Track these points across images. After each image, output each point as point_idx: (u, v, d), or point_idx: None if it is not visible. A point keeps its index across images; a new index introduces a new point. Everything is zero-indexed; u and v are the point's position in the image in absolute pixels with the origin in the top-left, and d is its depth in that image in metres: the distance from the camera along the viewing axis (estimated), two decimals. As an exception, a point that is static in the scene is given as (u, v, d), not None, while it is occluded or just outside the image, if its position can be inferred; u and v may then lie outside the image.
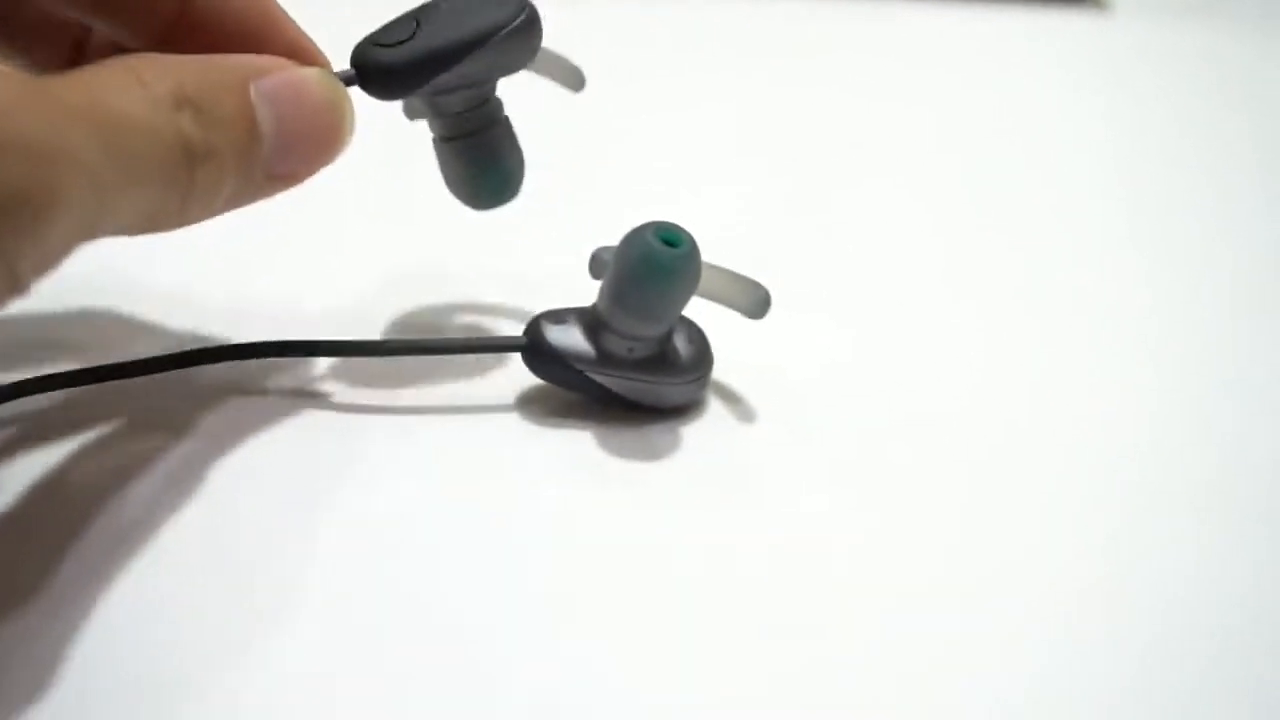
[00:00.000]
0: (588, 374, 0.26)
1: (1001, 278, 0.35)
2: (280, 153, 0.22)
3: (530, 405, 0.27)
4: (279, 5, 0.25)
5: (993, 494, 0.25)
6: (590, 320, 0.26)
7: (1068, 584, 0.23)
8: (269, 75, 0.22)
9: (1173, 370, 0.31)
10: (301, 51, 0.24)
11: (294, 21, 0.25)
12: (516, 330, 0.27)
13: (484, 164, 0.26)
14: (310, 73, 0.23)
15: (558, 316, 0.26)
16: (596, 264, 0.27)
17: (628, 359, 0.26)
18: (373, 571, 0.22)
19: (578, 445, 0.26)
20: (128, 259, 0.26)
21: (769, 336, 0.28)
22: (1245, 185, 0.45)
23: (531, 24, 0.25)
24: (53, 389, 0.26)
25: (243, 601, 0.21)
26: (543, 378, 0.26)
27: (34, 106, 0.17)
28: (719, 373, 0.28)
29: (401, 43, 0.24)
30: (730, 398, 0.28)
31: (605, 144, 0.45)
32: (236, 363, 0.27)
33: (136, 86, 0.19)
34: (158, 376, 0.26)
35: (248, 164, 0.22)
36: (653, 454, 0.26)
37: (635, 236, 0.24)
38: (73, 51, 0.25)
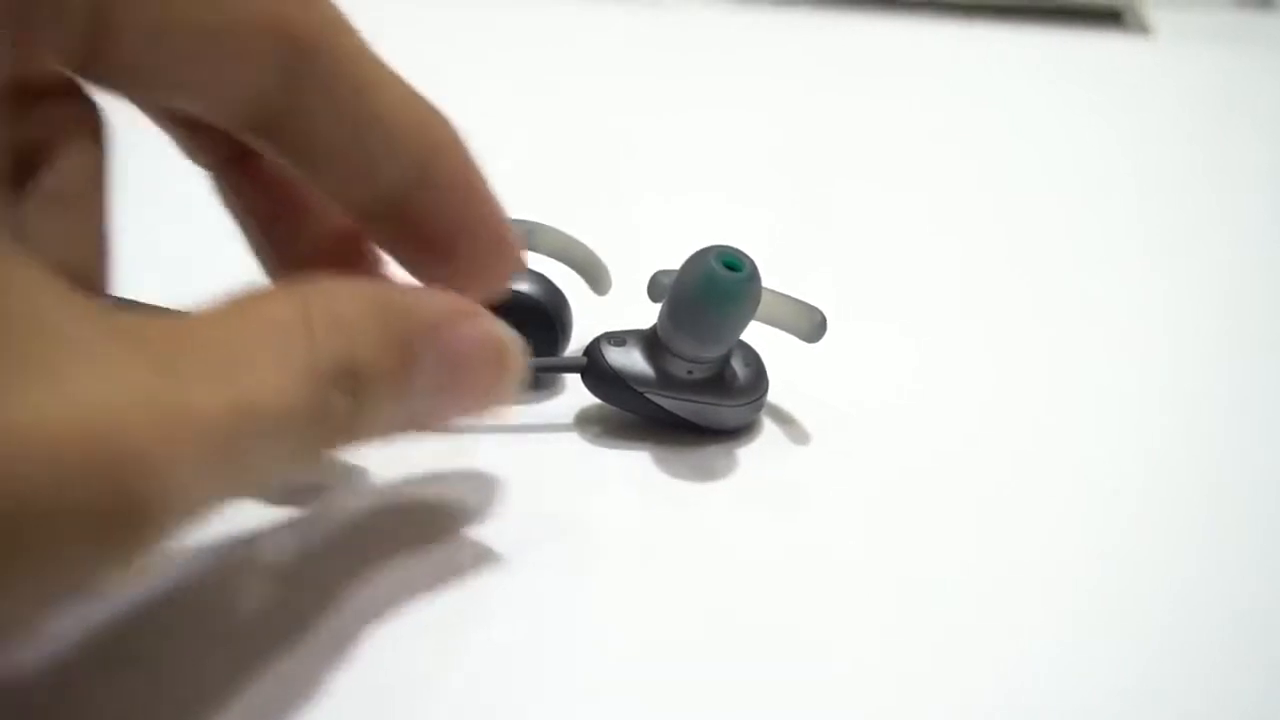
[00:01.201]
0: (647, 395, 0.26)
1: (1051, 303, 0.36)
2: (431, 408, 0.20)
3: (589, 425, 0.27)
4: (490, 189, 0.23)
5: (1043, 528, 0.25)
6: (650, 342, 0.26)
7: (1122, 624, 0.23)
8: (453, 330, 0.20)
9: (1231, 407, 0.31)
10: (502, 242, 0.23)
11: (499, 206, 0.23)
12: (576, 351, 0.27)
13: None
14: (494, 331, 0.21)
15: (617, 338, 0.27)
16: (656, 287, 0.27)
17: (686, 381, 0.26)
18: (435, 592, 0.22)
19: (635, 465, 0.26)
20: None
21: (822, 358, 0.28)
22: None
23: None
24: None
25: (305, 638, 0.21)
26: (602, 398, 0.27)
27: (148, 420, 0.15)
28: (773, 395, 0.28)
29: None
30: (784, 419, 0.28)
31: (649, 165, 0.45)
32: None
33: (301, 342, 0.18)
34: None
35: (389, 423, 0.20)
36: (709, 475, 0.26)
37: (697, 260, 0.25)
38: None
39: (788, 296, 0.27)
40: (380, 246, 0.23)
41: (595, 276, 0.29)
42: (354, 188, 0.21)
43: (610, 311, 0.29)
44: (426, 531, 0.24)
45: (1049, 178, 0.47)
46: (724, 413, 0.27)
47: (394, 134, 0.21)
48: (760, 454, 0.27)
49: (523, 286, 0.28)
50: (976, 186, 0.45)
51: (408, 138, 0.21)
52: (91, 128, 0.21)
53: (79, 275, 0.20)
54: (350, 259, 0.24)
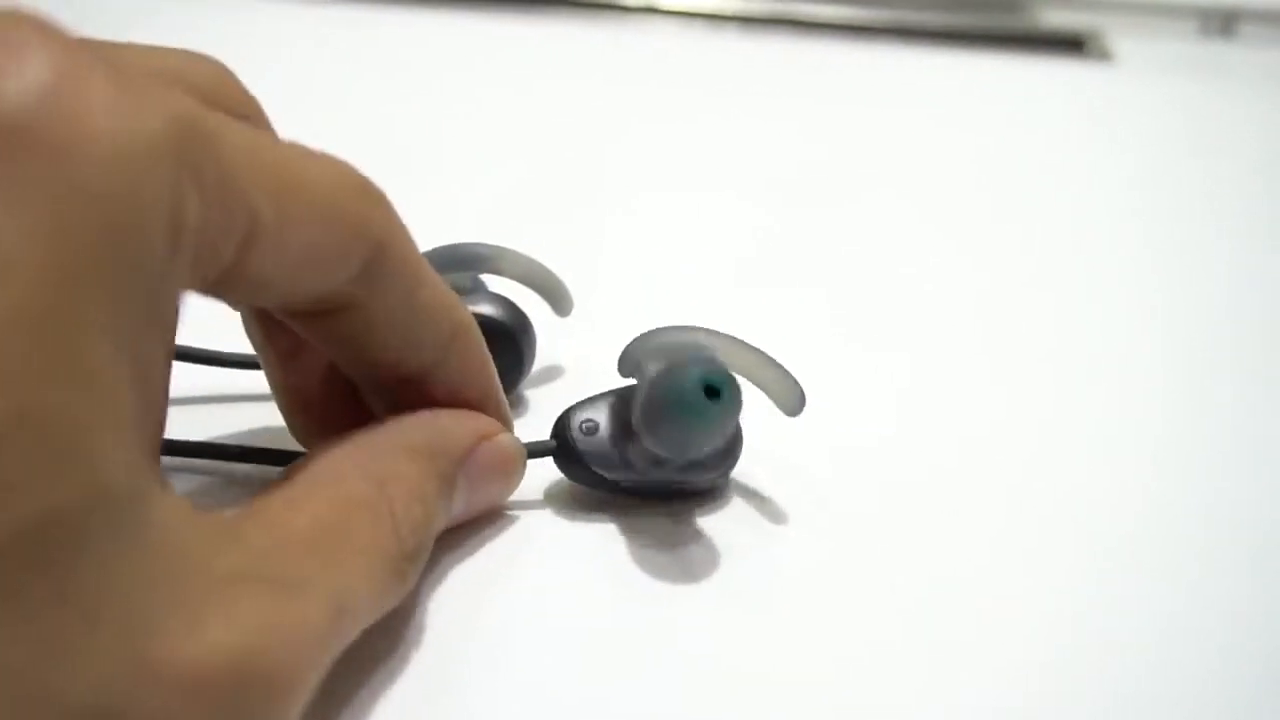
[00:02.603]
0: (619, 482, 0.25)
1: (1025, 339, 0.36)
2: (457, 515, 0.24)
3: (556, 500, 0.26)
4: (496, 380, 0.25)
5: (1026, 590, 0.25)
6: (620, 418, 0.25)
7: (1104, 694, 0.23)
8: (478, 451, 0.24)
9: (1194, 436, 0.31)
10: (503, 420, 0.25)
11: (503, 398, 0.25)
12: (544, 416, 0.26)
13: None
14: (509, 443, 0.25)
15: (586, 416, 0.26)
16: (627, 362, 0.26)
17: (659, 468, 0.25)
18: (393, 669, 0.22)
19: (602, 540, 0.25)
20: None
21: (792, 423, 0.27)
22: (1246, 238, 0.46)
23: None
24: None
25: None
26: (571, 479, 0.26)
27: (290, 665, 0.17)
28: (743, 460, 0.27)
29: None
30: (751, 491, 0.27)
31: (617, 186, 0.45)
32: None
33: (386, 526, 0.20)
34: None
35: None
36: (678, 553, 0.25)
37: (676, 378, 0.23)
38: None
39: (773, 362, 0.26)
40: (381, 408, 0.24)
41: (557, 299, 0.30)
42: (387, 368, 0.23)
43: (571, 328, 0.29)
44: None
45: (1011, 205, 0.47)
46: (695, 481, 0.26)
47: (432, 320, 0.23)
48: (727, 523, 0.26)
49: (486, 309, 0.28)
50: (936, 214, 0.46)
51: (439, 324, 0.23)
52: None
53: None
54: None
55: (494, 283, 0.29)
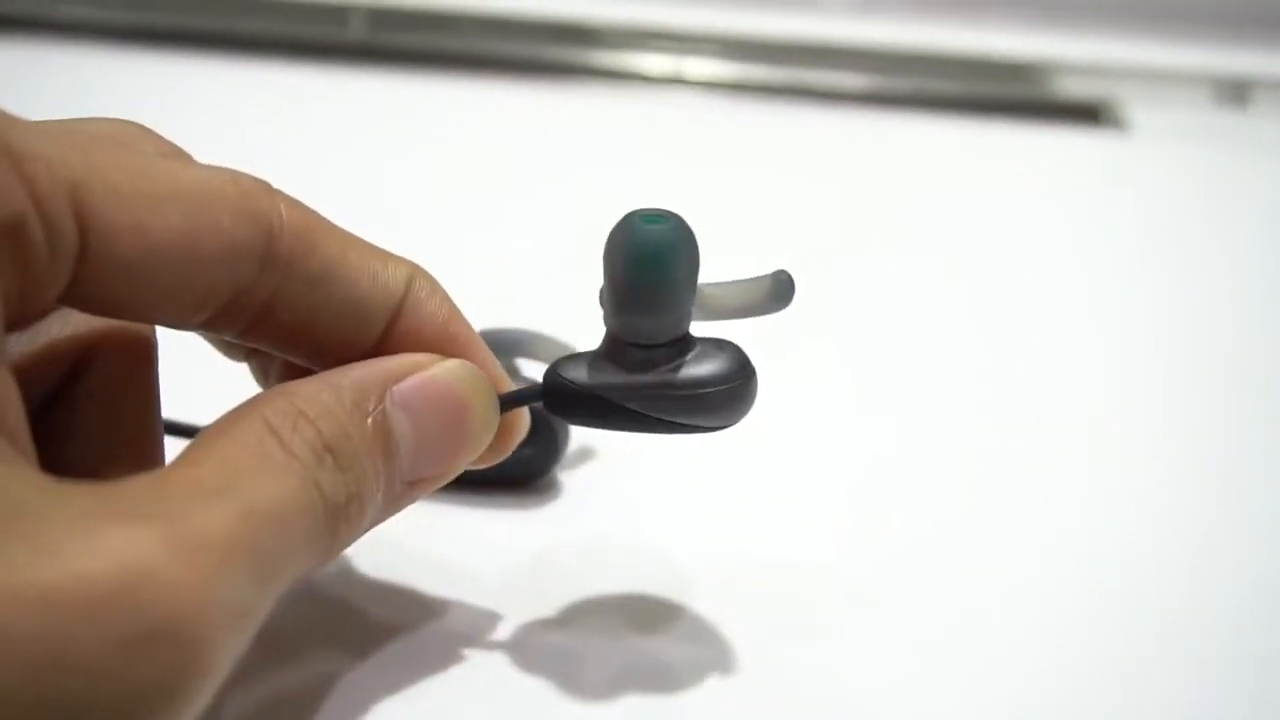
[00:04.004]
0: (611, 399, 0.24)
1: (1037, 407, 0.36)
2: (418, 460, 0.22)
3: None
4: (469, 326, 0.24)
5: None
6: (604, 349, 0.24)
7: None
8: (405, 381, 0.22)
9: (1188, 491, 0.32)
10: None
11: (482, 344, 0.24)
12: (580, 499, 0.27)
13: None
14: (444, 369, 0.23)
15: (569, 359, 0.25)
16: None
17: (651, 372, 0.24)
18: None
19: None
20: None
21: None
22: (1260, 307, 0.46)
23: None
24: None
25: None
26: (567, 419, 0.25)
27: (184, 571, 0.16)
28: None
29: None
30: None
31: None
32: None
33: (279, 454, 0.19)
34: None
35: (388, 486, 0.21)
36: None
37: (619, 227, 0.23)
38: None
39: (739, 280, 0.24)
40: None
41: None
42: (346, 349, 0.23)
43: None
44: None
45: (1026, 274, 0.48)
46: (704, 400, 0.24)
47: (370, 281, 0.22)
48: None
49: None
50: (952, 282, 0.46)
51: (380, 283, 0.23)
52: (134, 333, 0.23)
53: (120, 468, 0.22)
54: None
55: (527, 369, 0.30)
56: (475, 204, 0.51)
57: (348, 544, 0.21)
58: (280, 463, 0.19)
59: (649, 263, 0.23)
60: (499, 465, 0.25)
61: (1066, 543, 0.30)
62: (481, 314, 0.29)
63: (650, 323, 0.23)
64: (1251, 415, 0.37)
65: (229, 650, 0.17)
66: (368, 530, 0.22)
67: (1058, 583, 0.28)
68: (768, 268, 0.24)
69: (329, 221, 0.23)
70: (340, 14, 0.75)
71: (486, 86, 0.68)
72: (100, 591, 0.15)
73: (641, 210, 0.23)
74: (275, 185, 0.22)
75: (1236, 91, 0.77)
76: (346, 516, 0.20)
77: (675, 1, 0.77)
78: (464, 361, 0.23)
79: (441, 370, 0.23)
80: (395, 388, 0.22)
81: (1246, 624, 0.27)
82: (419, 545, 0.27)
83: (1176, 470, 0.33)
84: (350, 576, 0.27)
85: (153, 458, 0.23)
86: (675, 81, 0.71)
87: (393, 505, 0.22)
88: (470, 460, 0.23)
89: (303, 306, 0.22)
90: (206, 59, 0.66)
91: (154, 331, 0.24)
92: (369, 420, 0.21)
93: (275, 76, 0.66)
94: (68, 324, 0.23)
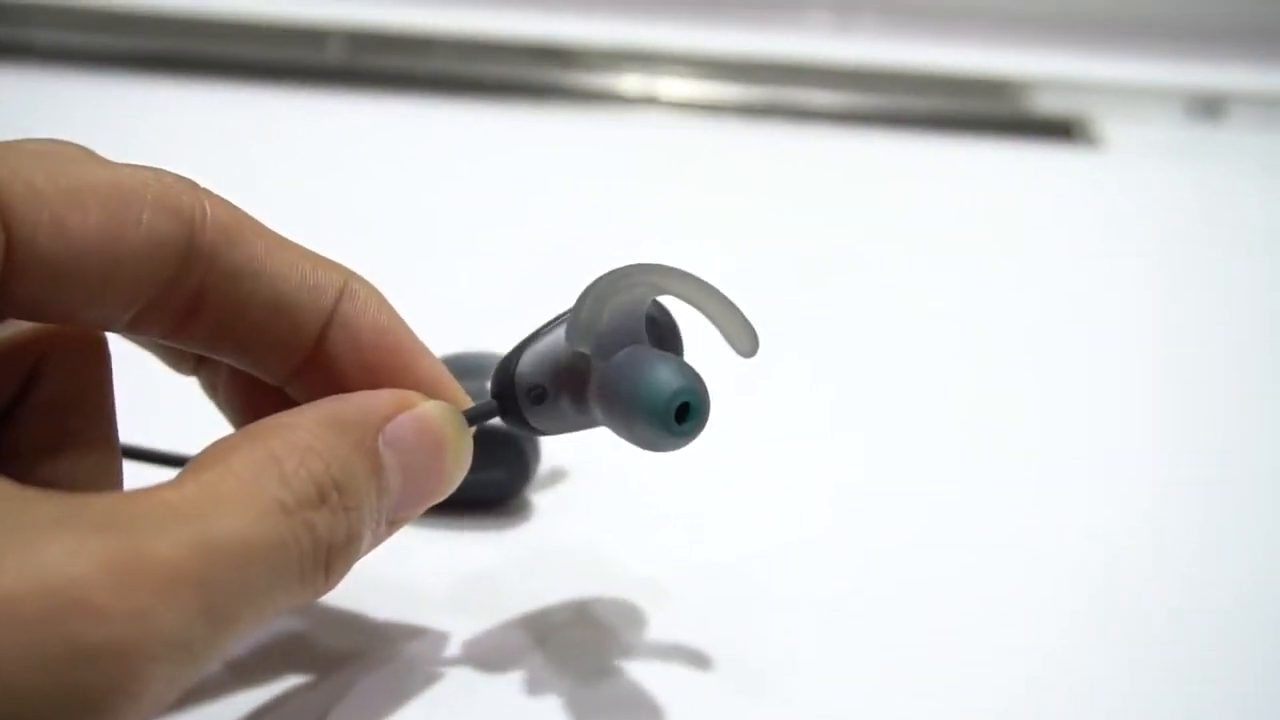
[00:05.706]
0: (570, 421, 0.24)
1: (1013, 421, 0.37)
2: (402, 499, 0.22)
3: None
4: (412, 335, 0.24)
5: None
6: (571, 385, 0.24)
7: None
8: (395, 419, 0.22)
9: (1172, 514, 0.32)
10: (435, 383, 0.24)
11: (429, 351, 0.24)
12: (552, 522, 0.27)
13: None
14: (431, 410, 0.23)
15: (534, 381, 0.24)
16: (575, 331, 0.24)
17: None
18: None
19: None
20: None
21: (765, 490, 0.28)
22: (1236, 322, 0.47)
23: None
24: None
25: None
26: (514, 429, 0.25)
27: (118, 599, 0.16)
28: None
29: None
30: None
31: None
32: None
33: (272, 488, 0.19)
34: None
35: (376, 524, 0.21)
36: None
37: (648, 390, 0.22)
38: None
39: (729, 303, 0.24)
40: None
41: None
42: (282, 349, 0.23)
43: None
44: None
45: (1001, 290, 0.49)
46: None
47: (298, 279, 0.22)
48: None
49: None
50: (927, 298, 0.47)
51: (310, 282, 0.23)
52: (85, 340, 0.23)
53: (82, 477, 0.22)
54: None
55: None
56: (452, 225, 0.51)
57: (338, 582, 0.21)
58: (266, 498, 0.19)
59: (663, 444, 0.22)
60: (471, 487, 0.24)
61: (1049, 558, 0.30)
62: (456, 336, 0.29)
63: (638, 446, 0.23)
64: (1225, 428, 0.37)
65: (168, 680, 0.17)
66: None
67: (1041, 599, 0.28)
68: (746, 288, 0.24)
69: (260, 223, 0.23)
70: (319, 37, 0.75)
71: (464, 108, 0.68)
72: (27, 613, 0.15)
73: (690, 385, 0.22)
74: (253, 207, 0.23)
75: (1209, 106, 0.78)
76: (346, 555, 0.20)
77: (650, 22, 0.77)
78: (442, 403, 0.23)
79: (427, 410, 0.23)
80: (387, 429, 0.22)
81: (1241, 630, 0.27)
82: (391, 568, 0.27)
83: (1156, 483, 0.33)
84: (321, 600, 0.27)
85: (109, 467, 0.23)
86: (651, 102, 0.71)
87: (375, 544, 0.22)
88: (442, 499, 0.23)
89: (229, 302, 0.22)
90: (186, 83, 0.66)
91: (105, 338, 0.23)
92: (367, 462, 0.21)
93: (254, 99, 0.66)
94: (16, 336, 0.23)
